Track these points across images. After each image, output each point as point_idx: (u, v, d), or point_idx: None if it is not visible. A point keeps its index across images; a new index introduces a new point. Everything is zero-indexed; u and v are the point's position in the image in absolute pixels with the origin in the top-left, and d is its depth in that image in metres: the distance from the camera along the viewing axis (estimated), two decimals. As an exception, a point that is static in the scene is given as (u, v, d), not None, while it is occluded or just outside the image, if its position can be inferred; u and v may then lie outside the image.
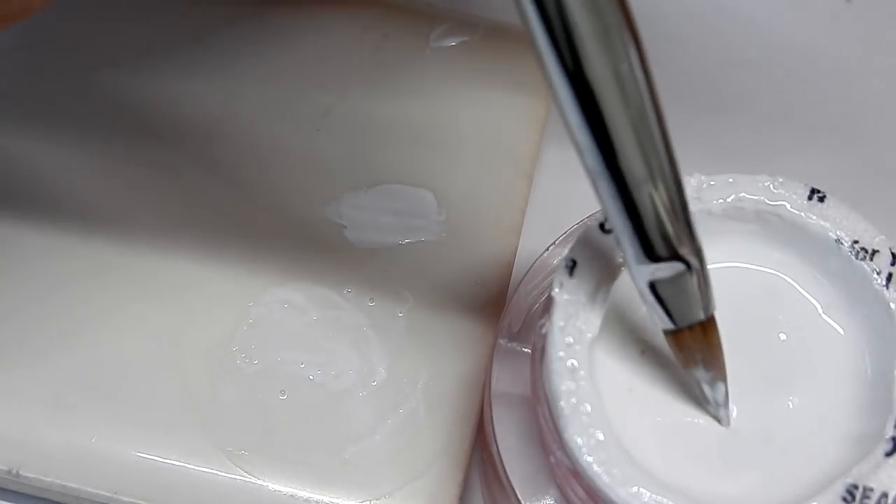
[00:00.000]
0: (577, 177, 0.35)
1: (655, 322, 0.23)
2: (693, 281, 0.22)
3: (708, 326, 0.23)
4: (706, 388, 0.23)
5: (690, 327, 0.23)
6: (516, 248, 0.33)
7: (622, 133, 0.20)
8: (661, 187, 0.21)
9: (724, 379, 0.23)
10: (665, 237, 0.21)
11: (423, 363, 0.31)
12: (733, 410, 0.23)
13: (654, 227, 0.21)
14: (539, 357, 0.23)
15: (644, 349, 0.24)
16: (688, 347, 0.23)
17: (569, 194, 0.35)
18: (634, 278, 0.22)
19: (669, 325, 0.23)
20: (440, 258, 0.32)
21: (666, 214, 0.21)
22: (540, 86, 0.35)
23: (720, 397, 0.24)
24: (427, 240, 0.32)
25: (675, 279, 0.22)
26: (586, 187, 0.35)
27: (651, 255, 0.21)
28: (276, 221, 0.32)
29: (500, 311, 0.31)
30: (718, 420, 0.24)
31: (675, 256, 0.22)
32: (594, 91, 0.20)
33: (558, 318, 0.23)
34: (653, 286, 0.22)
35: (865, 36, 0.38)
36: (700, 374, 0.23)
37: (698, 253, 0.22)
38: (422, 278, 0.32)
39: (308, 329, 0.31)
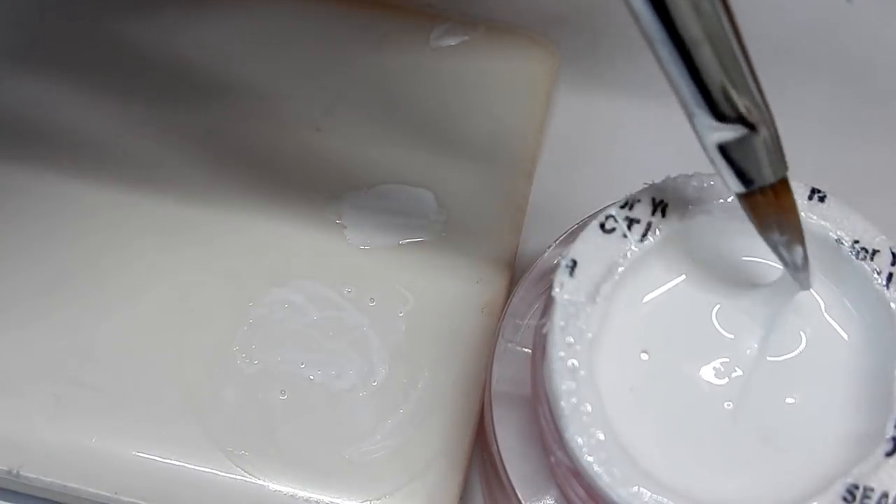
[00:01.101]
0: (577, 177, 0.36)
1: (728, 185, 0.23)
2: (761, 143, 0.23)
3: (780, 189, 0.23)
4: (783, 252, 0.24)
5: (762, 190, 0.23)
6: (517, 247, 0.33)
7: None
8: (720, 46, 0.22)
9: (801, 242, 0.24)
10: (728, 98, 0.22)
11: (424, 363, 0.31)
12: (732, 405, 0.23)
13: (717, 87, 0.22)
14: (539, 357, 0.23)
15: (644, 349, 0.24)
16: (761, 211, 0.23)
17: (569, 194, 0.35)
18: (703, 141, 0.22)
19: (741, 188, 0.23)
20: (440, 258, 0.32)
21: (727, 75, 0.22)
22: (540, 86, 0.35)
23: (798, 259, 0.24)
24: (427, 239, 0.32)
25: (743, 141, 0.22)
26: (586, 187, 0.35)
27: (718, 114, 0.22)
28: (276, 221, 0.32)
29: (501, 310, 0.31)
30: (799, 283, 0.24)
31: (741, 119, 0.22)
32: None
33: (558, 318, 0.23)
34: (722, 148, 0.22)
35: (866, 35, 0.38)
36: (776, 237, 0.24)
37: (766, 115, 0.22)
38: (422, 278, 0.32)
39: (308, 329, 0.31)
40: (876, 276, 0.23)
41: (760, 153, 0.23)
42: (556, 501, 0.25)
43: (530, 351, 0.25)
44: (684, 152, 0.36)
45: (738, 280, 0.24)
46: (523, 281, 0.27)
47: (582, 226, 0.26)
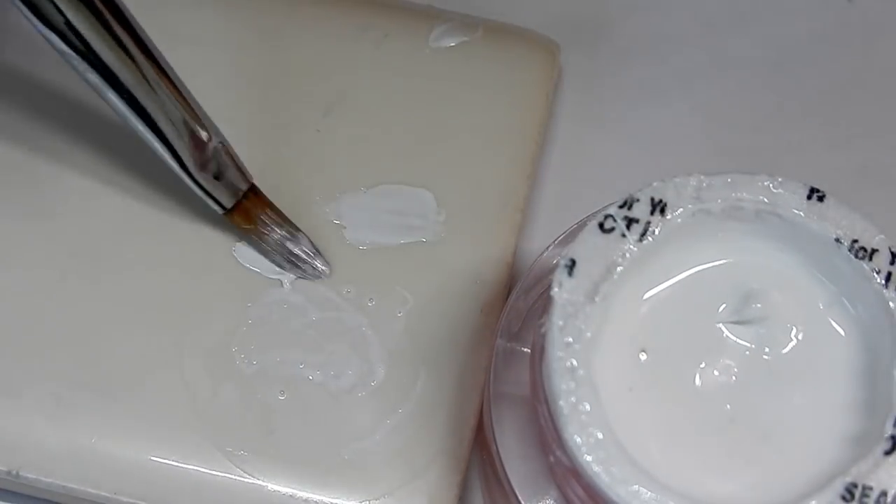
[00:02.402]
0: (576, 177, 0.36)
1: (214, 208, 0.30)
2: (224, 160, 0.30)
3: (251, 196, 0.30)
4: (290, 246, 0.31)
5: (240, 203, 0.30)
6: (515, 247, 0.33)
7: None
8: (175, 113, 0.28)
9: (299, 230, 0.31)
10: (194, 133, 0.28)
11: (423, 363, 0.31)
12: (731, 405, 0.23)
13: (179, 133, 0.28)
14: (539, 357, 0.23)
15: (643, 348, 0.24)
16: (252, 217, 0.31)
17: (569, 194, 0.35)
18: (187, 182, 0.29)
19: (222, 209, 0.30)
20: (439, 258, 0.32)
21: (186, 114, 0.28)
22: (540, 86, 0.35)
23: (308, 248, 0.31)
24: (426, 240, 0.32)
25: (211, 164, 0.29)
26: (586, 187, 0.35)
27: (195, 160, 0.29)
28: None
29: (500, 310, 0.31)
30: (316, 273, 0.31)
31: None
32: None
33: (558, 317, 0.23)
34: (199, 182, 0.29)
35: (866, 35, 0.38)
36: (277, 235, 0.31)
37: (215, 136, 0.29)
38: (421, 278, 0.32)
39: (307, 329, 0.31)
40: (875, 275, 0.23)
41: (225, 170, 0.30)
42: (555, 501, 0.25)
43: (530, 351, 0.25)
44: (684, 153, 0.36)
45: (738, 280, 0.24)
46: (522, 281, 0.27)
47: (581, 226, 0.26)
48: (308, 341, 0.31)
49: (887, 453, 0.22)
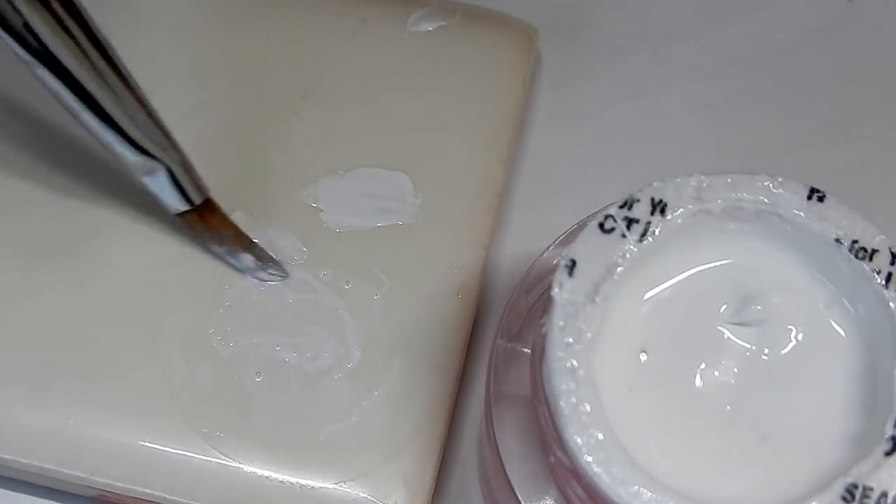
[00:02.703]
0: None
1: (165, 209, 0.29)
2: (176, 173, 0.29)
3: (204, 210, 0.30)
4: (230, 260, 0.31)
5: (191, 212, 0.29)
6: (492, 231, 0.33)
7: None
8: (120, 105, 0.27)
9: (243, 250, 0.31)
10: (136, 141, 0.27)
11: (399, 345, 0.31)
12: (731, 405, 0.23)
13: (128, 134, 0.27)
14: (539, 357, 0.23)
15: (644, 349, 0.24)
16: (195, 229, 0.30)
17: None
18: (133, 177, 0.28)
19: (173, 210, 0.29)
20: (416, 241, 0.32)
21: (133, 124, 0.27)
22: (518, 71, 0.35)
23: (249, 264, 0.31)
24: (403, 223, 0.32)
25: (160, 173, 0.28)
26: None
27: (137, 150, 0.28)
28: (253, 205, 0.32)
29: (476, 293, 0.32)
30: (269, 278, 0.31)
31: (152, 156, 0.28)
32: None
33: (558, 318, 0.23)
34: (148, 181, 0.28)
35: (866, 35, 0.38)
36: (217, 249, 0.31)
37: (170, 150, 0.28)
38: (398, 261, 0.32)
39: (284, 311, 0.31)
40: (875, 275, 0.23)
41: (178, 182, 0.29)
42: (555, 501, 0.25)
43: (530, 351, 0.25)
44: (684, 152, 0.36)
45: (738, 280, 0.24)
46: (522, 281, 0.27)
47: (581, 226, 0.26)
48: (284, 323, 0.31)
49: (888, 454, 0.22)
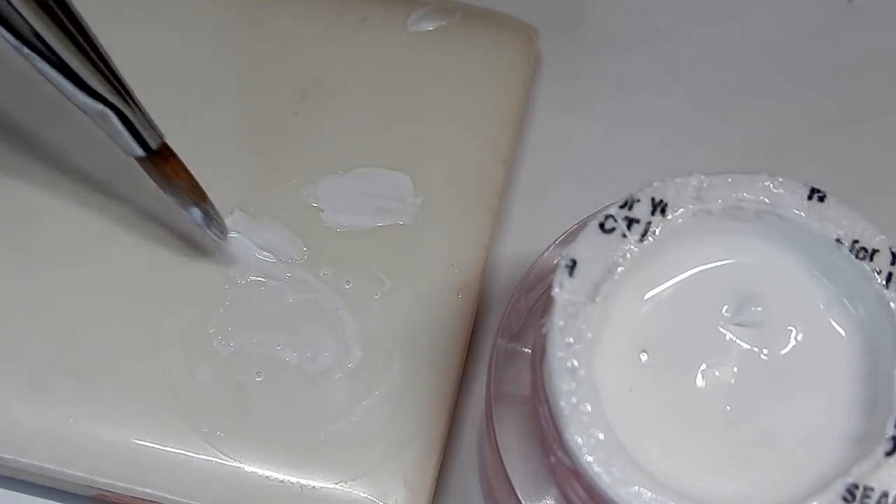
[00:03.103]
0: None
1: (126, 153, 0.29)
2: (129, 118, 0.28)
3: (158, 160, 0.29)
4: (185, 214, 0.30)
5: (148, 158, 0.29)
6: (492, 231, 0.33)
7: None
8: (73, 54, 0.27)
9: (196, 203, 0.29)
10: (87, 85, 0.27)
11: (399, 345, 0.31)
12: (731, 405, 0.23)
13: (81, 77, 0.27)
14: (539, 357, 0.23)
15: (644, 349, 0.24)
16: (153, 174, 0.29)
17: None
18: (94, 120, 0.28)
19: (131, 154, 0.29)
20: (416, 241, 0.32)
21: (87, 68, 0.27)
22: (518, 71, 0.35)
23: (198, 219, 0.30)
24: (403, 223, 0.32)
25: (107, 118, 0.28)
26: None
27: (89, 94, 0.27)
28: (253, 204, 0.32)
29: (476, 293, 0.32)
30: (212, 240, 0.30)
31: (101, 99, 0.28)
32: None
33: (558, 318, 0.23)
34: (103, 124, 0.28)
35: (866, 35, 0.38)
36: (173, 199, 0.29)
37: (119, 96, 0.28)
38: (398, 261, 0.32)
39: (284, 311, 0.31)
40: (875, 275, 0.23)
41: (131, 126, 0.28)
42: (556, 501, 0.25)
43: (530, 351, 0.25)
44: (684, 152, 0.36)
45: (738, 280, 0.24)
46: (523, 281, 0.27)
47: (581, 226, 0.26)
48: (285, 323, 0.31)
49: (888, 454, 0.22)
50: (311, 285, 0.31)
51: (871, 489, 0.21)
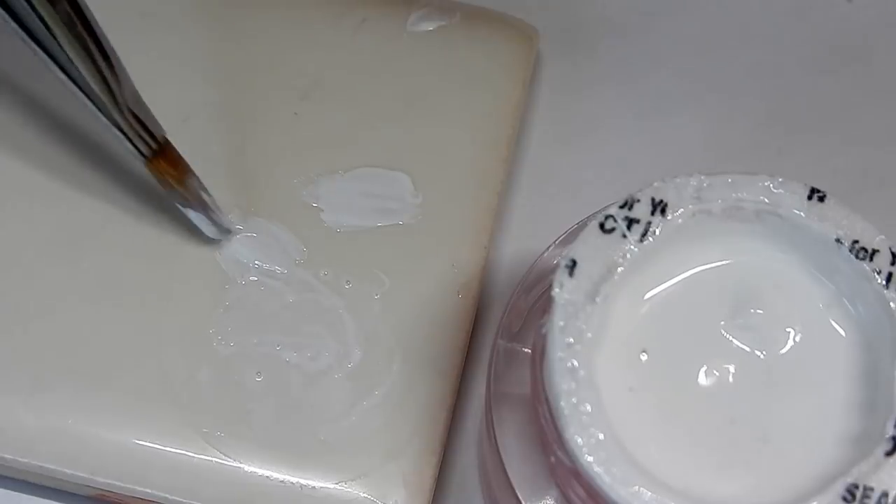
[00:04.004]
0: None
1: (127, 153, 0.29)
2: (118, 129, 0.28)
3: (159, 158, 0.29)
4: (186, 211, 0.30)
5: (149, 156, 0.29)
6: (492, 231, 0.33)
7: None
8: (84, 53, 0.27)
9: (197, 201, 0.30)
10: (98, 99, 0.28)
11: (399, 345, 0.31)
12: (731, 405, 0.23)
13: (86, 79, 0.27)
14: (539, 357, 0.23)
15: (644, 349, 0.24)
16: (156, 174, 0.29)
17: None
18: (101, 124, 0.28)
19: (134, 155, 0.29)
20: (416, 241, 0.32)
21: (91, 69, 0.27)
22: (518, 71, 0.35)
23: (199, 217, 0.30)
24: (403, 223, 0.32)
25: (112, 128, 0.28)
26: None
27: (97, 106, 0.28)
28: (253, 204, 0.32)
29: (476, 293, 0.32)
30: (214, 234, 0.31)
31: (106, 113, 0.28)
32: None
33: (558, 318, 0.23)
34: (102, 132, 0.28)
35: (866, 35, 0.38)
36: (173, 197, 0.30)
37: (115, 106, 0.28)
38: (398, 261, 0.32)
39: (284, 311, 0.31)
40: (875, 275, 0.23)
41: (126, 135, 0.28)
42: (556, 502, 0.25)
43: (530, 351, 0.25)
44: (684, 152, 0.36)
45: (738, 280, 0.24)
46: (523, 281, 0.27)
47: (581, 226, 0.26)
48: (285, 323, 0.31)
49: (888, 454, 0.22)
50: (311, 285, 0.31)
51: (871, 489, 0.21)
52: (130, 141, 0.29)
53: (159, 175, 0.30)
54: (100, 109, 0.28)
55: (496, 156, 0.34)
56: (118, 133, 0.28)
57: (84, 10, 0.27)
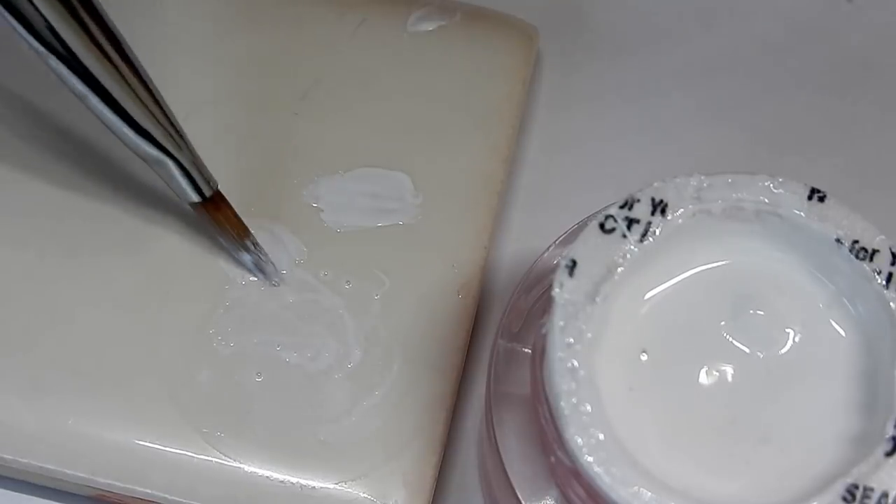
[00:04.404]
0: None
1: (180, 198, 0.30)
2: (177, 168, 0.29)
3: (210, 207, 0.30)
4: (236, 256, 0.31)
5: (202, 204, 0.29)
6: (492, 231, 0.33)
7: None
8: (137, 99, 0.28)
9: (244, 249, 0.31)
10: (147, 132, 0.28)
11: (399, 345, 0.31)
12: (731, 405, 0.23)
13: (140, 126, 0.28)
14: (539, 357, 0.23)
15: (644, 349, 0.24)
16: (205, 221, 0.30)
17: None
18: (150, 165, 0.29)
19: (185, 201, 0.30)
20: (416, 241, 0.32)
21: (147, 118, 0.28)
22: (518, 71, 0.35)
23: (248, 264, 0.31)
24: (403, 223, 0.32)
25: (165, 165, 0.29)
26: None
27: (148, 140, 0.28)
28: (253, 205, 0.32)
29: (476, 293, 0.32)
30: (267, 280, 0.31)
31: (159, 147, 0.28)
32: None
33: (558, 318, 0.23)
34: (161, 172, 0.29)
35: (866, 35, 0.38)
36: (225, 243, 0.31)
37: (176, 145, 0.28)
38: (398, 261, 0.32)
39: (284, 311, 0.31)
40: (875, 276, 0.23)
41: (187, 173, 0.29)
42: (556, 502, 0.25)
43: (530, 351, 0.25)
44: (684, 152, 0.36)
45: (738, 280, 0.24)
46: (523, 281, 0.27)
47: (581, 226, 0.26)
48: (285, 323, 0.31)
49: (888, 454, 0.22)
50: (311, 285, 0.31)
51: (871, 489, 0.21)
52: (192, 180, 0.29)
53: (209, 220, 0.30)
54: (155, 159, 0.29)
55: (496, 156, 0.34)
56: (174, 178, 0.29)
57: (126, 49, 0.27)
